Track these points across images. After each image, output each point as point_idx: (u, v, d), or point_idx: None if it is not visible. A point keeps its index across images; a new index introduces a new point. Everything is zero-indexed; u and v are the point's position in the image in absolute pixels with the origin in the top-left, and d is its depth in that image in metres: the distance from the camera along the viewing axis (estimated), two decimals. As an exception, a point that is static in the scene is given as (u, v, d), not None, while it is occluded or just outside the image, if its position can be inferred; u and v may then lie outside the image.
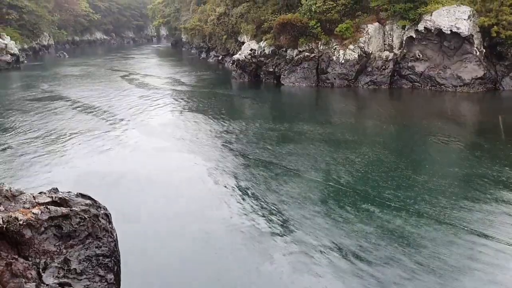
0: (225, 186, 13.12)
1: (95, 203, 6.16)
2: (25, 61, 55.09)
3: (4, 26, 59.59)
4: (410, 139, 17.97)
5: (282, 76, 32.56)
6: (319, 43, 30.96)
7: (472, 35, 26.28)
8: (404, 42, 29.07)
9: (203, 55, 58.50)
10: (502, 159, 14.69)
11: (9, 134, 19.43)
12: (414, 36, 28.39)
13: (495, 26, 25.63)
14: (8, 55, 50.00)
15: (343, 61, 29.92)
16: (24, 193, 5.96)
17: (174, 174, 14.48)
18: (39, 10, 70.78)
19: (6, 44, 51.10)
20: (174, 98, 28.22)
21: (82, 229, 5.73)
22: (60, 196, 5.97)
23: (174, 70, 44.92)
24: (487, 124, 20.58)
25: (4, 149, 17.09)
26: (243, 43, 38.15)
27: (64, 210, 5.71)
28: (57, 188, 6.26)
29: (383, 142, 17.56)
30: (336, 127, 20.35)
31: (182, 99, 28.04)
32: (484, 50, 26.99)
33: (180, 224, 10.86)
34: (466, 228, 9.97)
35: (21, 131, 19.94)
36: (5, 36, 53.69)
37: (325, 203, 11.64)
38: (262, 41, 34.01)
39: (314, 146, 16.85)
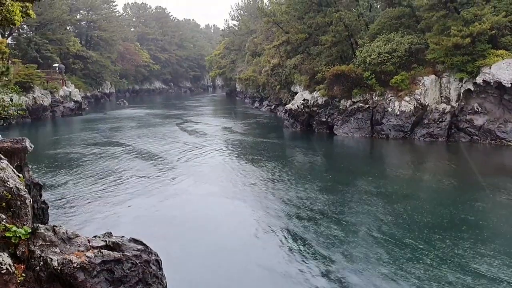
0: (275, 235, 12.88)
1: (146, 249, 6.20)
2: (87, 108, 58.47)
3: (70, 75, 64.04)
4: (468, 195, 17.04)
5: (335, 126, 32.42)
6: (374, 94, 30.79)
7: (536, 89, 25.21)
8: (461, 94, 28.31)
9: (256, 104, 59.69)
10: None
11: (67, 175, 20.35)
12: (472, 88, 27.62)
13: (560, 80, 24.47)
14: (72, 102, 53.44)
15: (398, 113, 29.45)
16: (79, 236, 6.11)
17: (225, 221, 14.44)
18: (102, 60, 75.76)
19: (70, 92, 54.80)
20: (225, 146, 28.69)
21: (133, 274, 5.74)
22: (114, 241, 6.06)
23: (227, 119, 46.01)
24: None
25: (61, 191, 17.84)
26: (296, 93, 38.66)
27: (116, 254, 5.77)
28: (111, 232, 6.38)
29: (439, 197, 16.77)
30: (389, 180, 19.73)
31: (233, 146, 28.45)
32: (549, 104, 25.72)
33: (228, 274, 10.68)
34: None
35: (79, 172, 20.85)
36: (70, 84, 57.65)
37: (371, 255, 11.10)
38: (315, 91, 34.29)
39: (365, 199, 16.34)
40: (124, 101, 71.60)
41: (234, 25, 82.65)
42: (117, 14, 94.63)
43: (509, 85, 25.69)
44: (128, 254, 5.87)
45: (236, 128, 37.56)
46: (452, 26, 27.31)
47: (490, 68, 26.48)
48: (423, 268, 10.59)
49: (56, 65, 57.74)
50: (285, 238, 12.80)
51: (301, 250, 11.89)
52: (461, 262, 10.77)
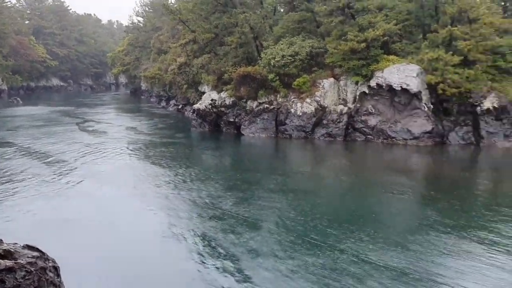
0: (181, 236, 12.83)
1: (43, 255, 5.86)
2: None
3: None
4: (362, 190, 18.39)
5: (242, 126, 32.97)
6: (278, 95, 31.82)
7: (421, 92, 27.81)
8: (357, 97, 30.34)
9: (163, 103, 58.59)
10: (447, 209, 15.23)
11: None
12: (367, 91, 29.73)
13: (441, 84, 27.26)
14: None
15: (300, 114, 30.75)
16: (-35, 244, 5.62)
17: (128, 223, 14.06)
18: (-9, 54, 69.39)
19: None
20: (129, 147, 27.83)
21: (28, 283, 5.41)
22: (5, 248, 5.65)
23: (132, 118, 44.60)
24: (435, 176, 21.43)
25: None
26: (203, 93, 38.60)
27: (8, 263, 5.39)
28: (1, 240, 5.94)
29: (336, 193, 17.89)
30: (293, 178, 20.61)
31: (138, 147, 27.70)
32: (432, 106, 28.51)
33: (132, 274, 10.44)
34: (398, 269, 10.14)
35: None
36: None
37: (277, 251, 11.57)
38: (223, 92, 34.56)
39: (270, 196, 16.90)
40: (18, 98, 66.12)
41: (139, 21, 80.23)
42: (9, 5, 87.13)
43: (399, 88, 28.05)
44: (22, 262, 5.52)
45: (141, 128, 36.59)
46: (349, 32, 29.18)
47: (382, 72, 28.70)
48: (323, 260, 11.24)
49: None
50: (191, 238, 12.81)
51: (207, 250, 11.99)
52: (357, 253, 11.60)
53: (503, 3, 34.35)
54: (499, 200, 16.56)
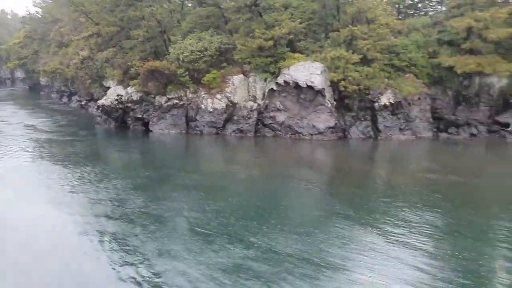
0: (87, 238, 12.19)
1: None
2: None
3: None
4: (271, 184, 18.84)
5: (151, 122, 32.12)
6: (188, 91, 31.44)
7: (324, 89, 29.09)
8: (266, 93, 30.99)
9: (65, 99, 55.24)
10: (349, 199, 16.17)
11: None
12: (275, 88, 30.46)
13: (342, 81, 28.76)
14: None
15: (211, 110, 30.69)
16: None
17: (29, 227, 13.05)
18: None
19: None
20: (28, 146, 25.86)
21: None
22: None
23: (31, 115, 41.46)
24: (337, 169, 22.62)
25: None
26: (108, 88, 36.97)
27: None
28: None
29: (247, 188, 18.15)
30: (203, 174, 20.54)
31: (37, 146, 25.84)
32: (335, 102, 29.98)
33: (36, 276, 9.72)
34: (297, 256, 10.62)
35: None
36: None
37: (188, 248, 11.46)
38: (130, 87, 33.41)
39: (180, 194, 16.68)
40: None
41: (37, 12, 74.63)
42: None
43: (305, 86, 29.08)
44: None
45: (41, 126, 34.15)
46: (256, 29, 29.65)
47: (289, 69, 29.56)
48: (233, 253, 11.32)
49: None
50: (98, 239, 12.22)
51: (115, 250, 11.51)
52: (266, 245, 11.84)
53: (397, 6, 37.05)
54: (394, 190, 17.89)
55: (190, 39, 31.38)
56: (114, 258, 11.08)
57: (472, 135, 30.14)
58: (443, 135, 30.24)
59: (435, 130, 30.55)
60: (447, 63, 29.92)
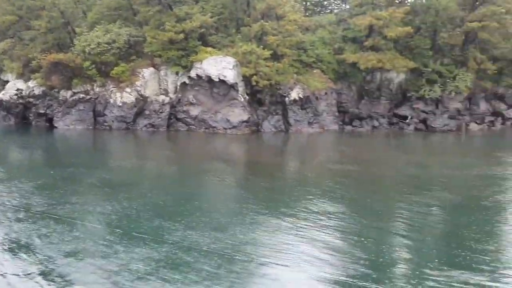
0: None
1: None
2: None
3: None
4: (186, 179, 18.73)
5: (55, 118, 30.41)
6: (95, 84, 30.20)
7: (237, 83, 29.44)
8: (178, 87, 30.67)
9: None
10: (262, 190, 16.62)
11: None
12: (187, 82, 30.25)
13: (254, 76, 29.29)
14: None
15: (120, 104, 29.75)
16: None
17: None
18: None
19: None
20: None
21: None
22: None
23: None
24: (251, 162, 23.10)
25: None
26: (7, 81, 34.40)
27: None
28: None
29: (160, 184, 17.90)
30: (112, 171, 19.87)
31: None
32: (248, 97, 30.48)
33: None
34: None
35: None
36: None
37: (101, 249, 11.09)
38: (31, 80, 31.37)
39: (89, 192, 16.04)
40: None
41: None
42: None
43: (217, 80, 29.21)
44: None
45: None
46: (166, 22, 29.16)
47: (201, 63, 29.48)
48: (150, 253, 11.08)
49: None
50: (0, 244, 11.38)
51: (21, 255, 10.78)
52: (183, 241, 11.73)
53: (304, 3, 38.43)
54: (303, 180, 18.67)
55: (97, 31, 30.07)
56: (18, 263, 10.38)
57: (374, 127, 32.30)
58: (348, 127, 32.08)
59: (341, 123, 32.32)
60: (351, 59, 31.65)
